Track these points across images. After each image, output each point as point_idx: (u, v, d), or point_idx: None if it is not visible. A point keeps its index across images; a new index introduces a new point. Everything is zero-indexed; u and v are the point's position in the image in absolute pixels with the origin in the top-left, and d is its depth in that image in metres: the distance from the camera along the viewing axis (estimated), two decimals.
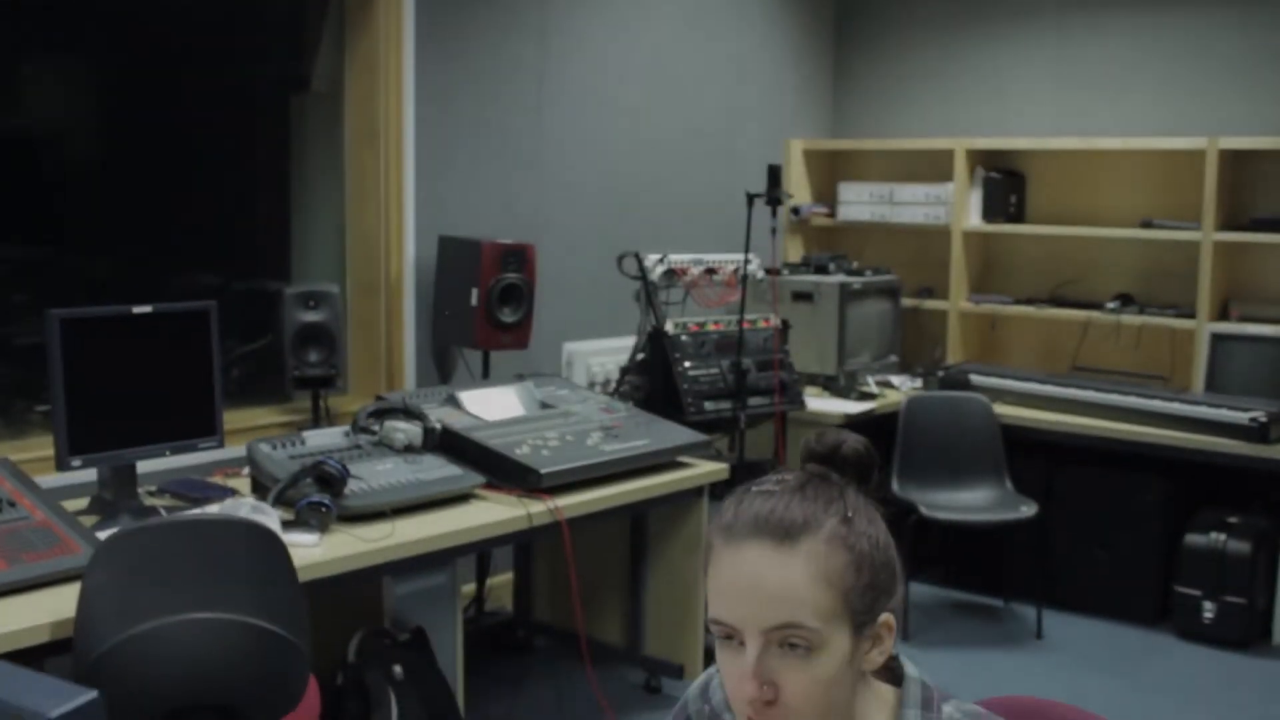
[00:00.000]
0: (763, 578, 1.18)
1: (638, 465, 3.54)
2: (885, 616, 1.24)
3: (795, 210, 5.83)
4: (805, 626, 1.17)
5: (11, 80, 3.65)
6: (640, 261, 4.28)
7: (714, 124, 5.39)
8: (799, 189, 5.87)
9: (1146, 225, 5.12)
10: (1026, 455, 4.83)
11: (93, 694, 0.77)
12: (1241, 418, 4.44)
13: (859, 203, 5.80)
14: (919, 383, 5.28)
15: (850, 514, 1.22)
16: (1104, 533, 4.76)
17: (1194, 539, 4.54)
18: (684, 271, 4.41)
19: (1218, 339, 4.90)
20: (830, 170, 6.06)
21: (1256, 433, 4.39)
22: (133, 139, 3.94)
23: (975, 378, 5.09)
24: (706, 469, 3.71)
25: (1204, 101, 5.14)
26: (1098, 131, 5.32)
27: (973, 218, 5.52)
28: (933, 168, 5.60)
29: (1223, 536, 4.49)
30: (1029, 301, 5.47)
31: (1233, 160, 4.94)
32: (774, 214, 4.14)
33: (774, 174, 4.15)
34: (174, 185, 4.00)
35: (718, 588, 1.22)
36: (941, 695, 1.31)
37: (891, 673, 1.33)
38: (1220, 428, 4.48)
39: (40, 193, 3.75)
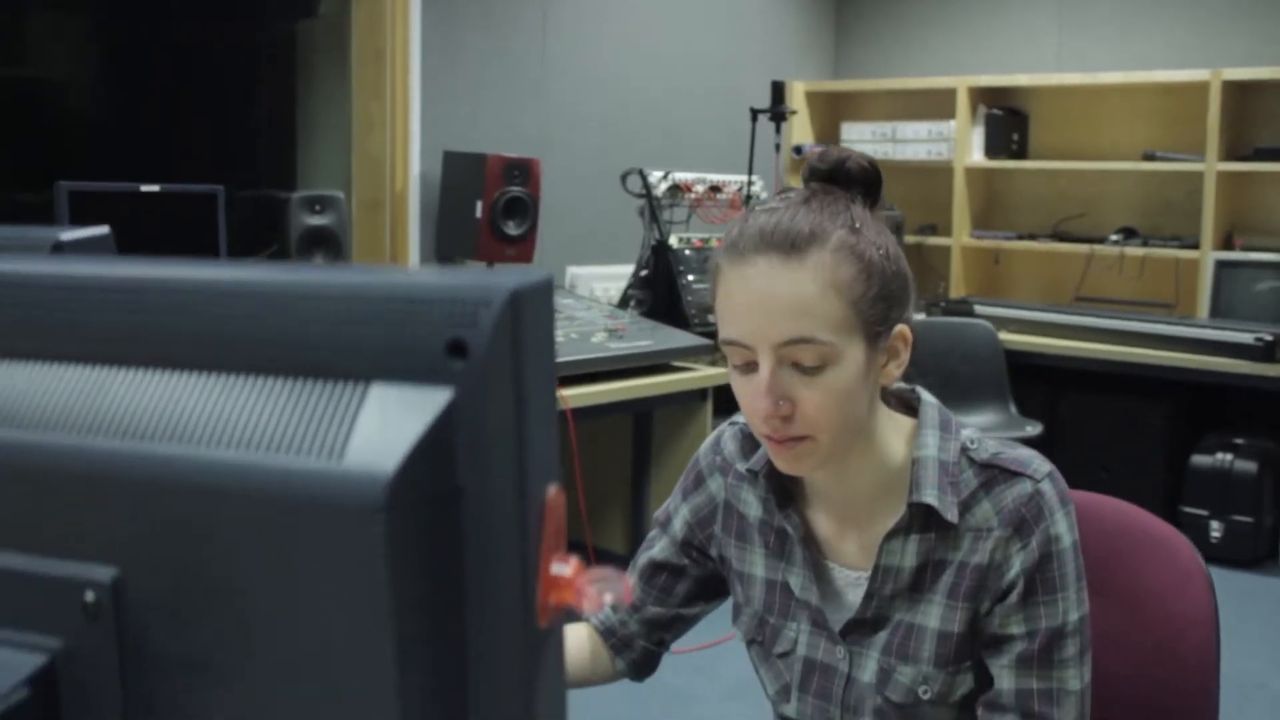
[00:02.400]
0: (772, 292, 1.15)
1: (642, 363, 3.55)
2: (900, 328, 1.22)
3: (797, 149, 5.83)
4: (818, 340, 1.15)
5: (17, 17, 3.65)
6: (644, 178, 4.28)
7: (714, 67, 5.39)
8: (801, 131, 5.87)
9: (1149, 158, 5.12)
10: (1031, 381, 4.83)
11: (104, 229, 0.78)
12: (1246, 337, 4.43)
13: (861, 141, 5.80)
14: (922, 315, 5.28)
15: (857, 224, 1.19)
16: (1109, 456, 4.76)
17: (1200, 460, 4.54)
18: (688, 188, 4.40)
19: (1222, 266, 4.90)
20: (833, 111, 6.06)
21: (1261, 351, 4.38)
22: (140, 74, 3.95)
23: (979, 308, 5.09)
24: (711, 372, 3.72)
25: (1206, 33, 5.14)
26: (1100, 66, 5.32)
27: (975, 154, 5.52)
28: (935, 106, 5.60)
29: (1229, 457, 4.49)
30: (1031, 237, 5.47)
31: (1236, 92, 4.94)
32: (778, 130, 4.14)
33: (777, 90, 4.16)
34: (183, 118, 4.01)
35: (728, 307, 1.19)
36: (959, 423, 1.31)
37: (909, 406, 1.32)
38: (1225, 348, 4.47)
39: (47, 133, 3.75)
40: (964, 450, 1.26)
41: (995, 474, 1.24)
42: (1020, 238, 5.48)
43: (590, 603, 0.45)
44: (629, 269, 4.52)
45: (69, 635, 0.48)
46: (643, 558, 1.46)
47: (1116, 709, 1.40)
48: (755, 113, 4.14)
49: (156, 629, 0.47)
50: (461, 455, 0.44)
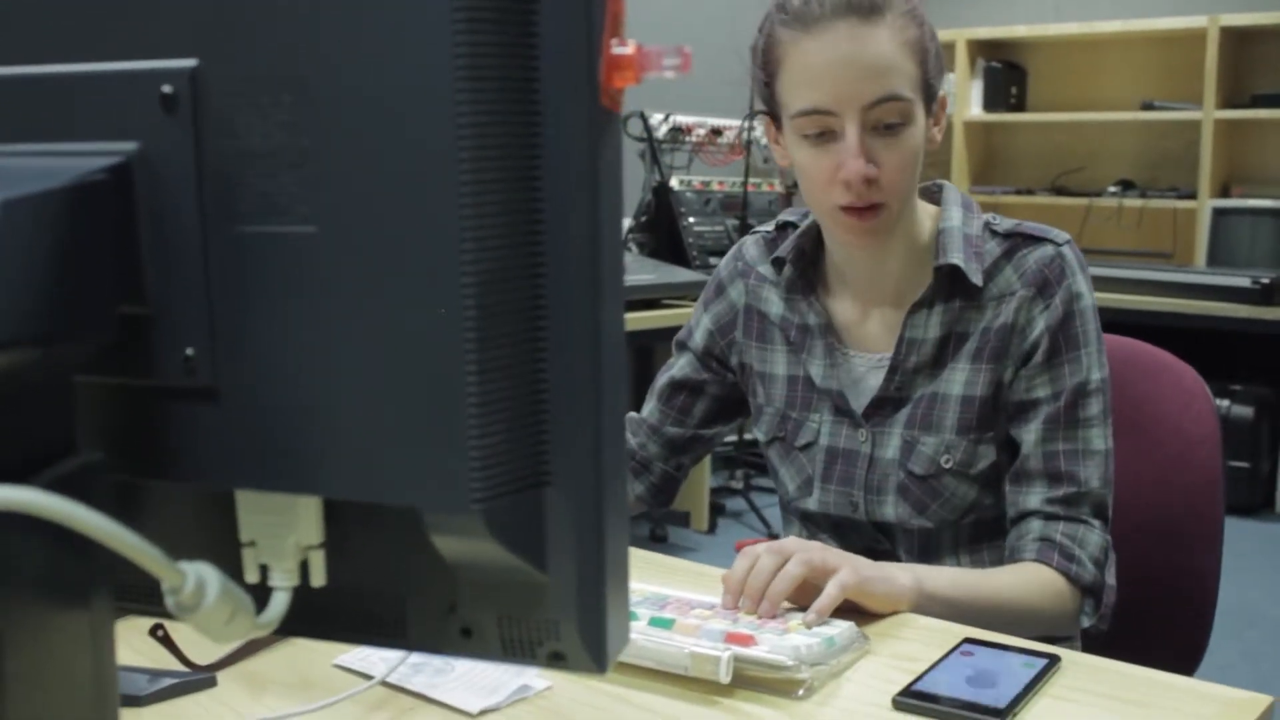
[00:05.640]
0: (859, 53, 1.17)
1: (643, 296, 3.57)
2: (941, 92, 1.27)
3: None
4: (903, 97, 1.19)
5: None
6: (645, 120, 4.30)
7: (715, 10, 5.41)
8: None
9: (1147, 108, 5.15)
10: None
11: None
12: (1244, 280, 4.44)
13: None
14: None
15: None
16: None
17: None
18: (689, 130, 4.42)
19: (1219, 214, 4.92)
20: None
21: (1259, 294, 4.39)
22: None
23: None
24: None
25: None
26: (1098, 15, 5.34)
27: (974, 108, 5.55)
28: None
29: (1225, 403, 4.50)
30: (1029, 192, 5.49)
31: (1234, 38, 4.96)
32: None
33: None
34: None
35: (806, 77, 1.19)
36: (980, 207, 1.35)
37: (931, 196, 1.37)
38: (1223, 292, 4.47)
39: None
40: (987, 224, 1.31)
41: (1018, 241, 1.29)
42: (1019, 192, 5.51)
43: (652, 61, 0.47)
44: (627, 222, 4.54)
45: (147, 133, 0.49)
46: (661, 379, 1.49)
47: (1128, 532, 1.43)
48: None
49: (235, 118, 0.48)
50: None
